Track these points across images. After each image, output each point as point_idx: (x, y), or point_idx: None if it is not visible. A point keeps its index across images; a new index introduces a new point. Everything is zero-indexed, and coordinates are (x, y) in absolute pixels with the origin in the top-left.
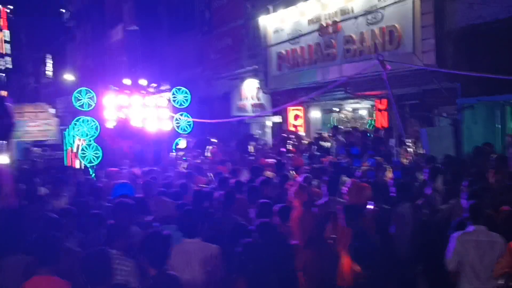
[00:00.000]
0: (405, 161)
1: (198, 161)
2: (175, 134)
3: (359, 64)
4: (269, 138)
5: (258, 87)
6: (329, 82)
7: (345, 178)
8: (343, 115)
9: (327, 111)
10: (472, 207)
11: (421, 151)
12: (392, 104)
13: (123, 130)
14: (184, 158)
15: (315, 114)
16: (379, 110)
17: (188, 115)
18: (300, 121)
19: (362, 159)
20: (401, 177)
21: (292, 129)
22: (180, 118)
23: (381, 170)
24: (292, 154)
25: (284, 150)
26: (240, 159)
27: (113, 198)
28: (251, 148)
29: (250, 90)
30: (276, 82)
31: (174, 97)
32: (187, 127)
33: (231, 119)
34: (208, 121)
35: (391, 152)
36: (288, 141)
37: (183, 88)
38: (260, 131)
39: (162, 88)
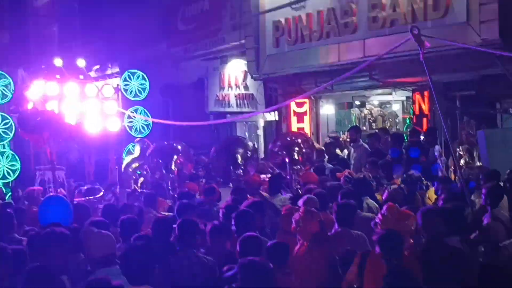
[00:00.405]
0: (454, 177)
1: (158, 176)
2: (127, 138)
3: (390, 38)
4: (261, 143)
5: (246, 71)
6: (347, 64)
7: (369, 201)
8: (367, 111)
9: (344, 106)
10: None
11: (477, 163)
12: (433, 97)
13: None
14: (138, 172)
15: (328, 109)
16: (419, 104)
17: (146, 111)
18: (305, 120)
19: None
20: (448, 198)
21: (295, 130)
22: (133, 115)
23: (415, 189)
24: (299, 166)
25: (288, 160)
26: (223, 173)
27: (40, 228)
28: (238, 158)
29: (234, 75)
30: (272, 64)
31: (126, 85)
32: (143, 128)
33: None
34: (174, 123)
35: (435, 164)
36: (292, 148)
37: (139, 72)
38: (248, 133)
39: (109, 72)
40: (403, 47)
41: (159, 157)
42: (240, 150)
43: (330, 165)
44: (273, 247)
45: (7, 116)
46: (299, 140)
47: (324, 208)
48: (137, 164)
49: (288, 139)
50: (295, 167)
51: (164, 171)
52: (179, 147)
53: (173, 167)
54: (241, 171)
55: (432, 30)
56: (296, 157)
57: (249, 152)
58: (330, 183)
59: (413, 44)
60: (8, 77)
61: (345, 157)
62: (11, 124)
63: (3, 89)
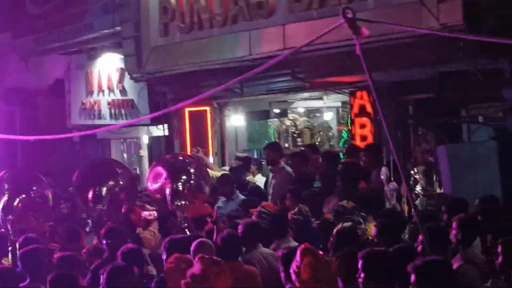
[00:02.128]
0: (408, 208)
1: None
2: None
3: (318, 24)
4: (146, 167)
5: (123, 69)
6: (261, 58)
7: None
8: (290, 123)
9: (259, 115)
10: None
11: (438, 189)
12: (375, 101)
13: None
14: None
15: (237, 120)
16: (359, 112)
17: None
18: (208, 134)
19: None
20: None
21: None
22: None
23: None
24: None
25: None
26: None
27: None
28: (103, 190)
29: (107, 75)
30: (158, 60)
31: None
32: None
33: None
34: (22, 138)
35: (379, 191)
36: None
37: None
38: (127, 154)
39: None
40: (336, 36)
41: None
42: (108, 179)
43: (241, 196)
44: None
45: None
46: (190, 167)
47: (229, 256)
48: None
49: (175, 162)
50: (178, 203)
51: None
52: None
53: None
54: (101, 206)
55: (374, 13)
56: (180, 188)
57: (120, 181)
58: (242, 221)
59: (348, 32)
60: None
61: (254, 184)
62: None
63: None
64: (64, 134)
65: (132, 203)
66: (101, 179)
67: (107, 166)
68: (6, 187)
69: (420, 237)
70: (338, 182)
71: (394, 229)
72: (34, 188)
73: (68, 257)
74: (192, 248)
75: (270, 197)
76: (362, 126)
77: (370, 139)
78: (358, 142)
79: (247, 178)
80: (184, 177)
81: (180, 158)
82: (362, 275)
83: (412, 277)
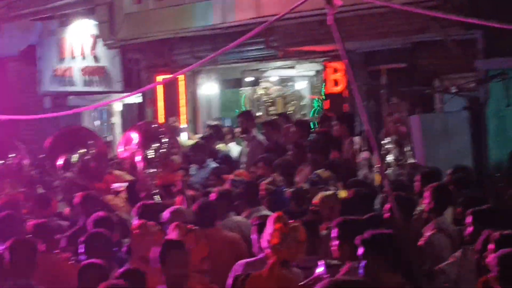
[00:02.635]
0: (378, 178)
1: None
2: None
3: None
4: (117, 135)
5: (96, 36)
6: (235, 26)
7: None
8: (262, 91)
9: (232, 83)
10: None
11: (410, 159)
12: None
13: None
14: None
15: (210, 88)
16: (332, 81)
17: None
18: (181, 102)
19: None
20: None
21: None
22: None
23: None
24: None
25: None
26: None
27: None
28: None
29: (80, 41)
30: (132, 27)
31: None
32: None
33: (40, 113)
34: None
35: (351, 160)
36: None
37: None
38: (100, 121)
39: None
40: (310, 5)
41: None
42: (78, 146)
43: (213, 164)
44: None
45: None
46: (162, 135)
47: (206, 223)
48: None
49: (147, 130)
50: (149, 170)
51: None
52: None
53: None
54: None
55: None
56: (151, 156)
57: (91, 149)
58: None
59: (322, 1)
60: None
61: (228, 154)
62: None
63: None
64: (34, 115)
65: (102, 172)
66: (72, 147)
67: (78, 134)
68: None
69: (388, 206)
70: (310, 151)
71: (365, 198)
72: (11, 154)
73: (41, 224)
74: (166, 215)
75: (243, 165)
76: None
77: (342, 109)
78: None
79: (218, 146)
80: (155, 145)
81: (152, 125)
82: (336, 242)
83: (360, 250)
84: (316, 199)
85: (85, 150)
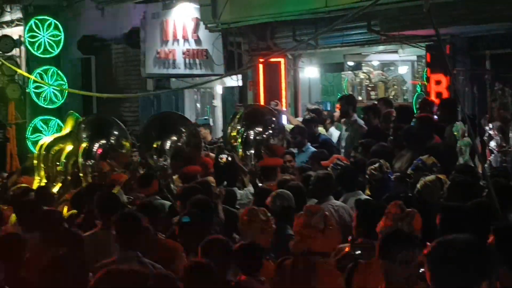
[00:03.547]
0: (482, 166)
1: None
2: (33, 109)
3: None
4: (219, 118)
5: (198, 19)
6: (337, 10)
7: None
8: (364, 76)
9: (333, 67)
10: None
11: None
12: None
13: None
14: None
15: (311, 72)
16: (433, 67)
17: (59, 72)
18: (282, 86)
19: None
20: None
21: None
22: (40, 82)
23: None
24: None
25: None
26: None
27: None
28: (166, 144)
29: (182, 24)
30: (234, 10)
31: (32, 37)
32: (55, 96)
33: (144, 90)
34: (98, 95)
35: (453, 146)
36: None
37: (51, 19)
38: (201, 105)
39: (7, 18)
40: None
41: None
42: (171, 134)
43: (312, 148)
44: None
45: None
46: (267, 118)
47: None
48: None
49: (251, 113)
50: (248, 152)
51: None
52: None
53: None
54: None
55: None
56: (251, 137)
57: (184, 137)
58: (317, 173)
59: None
60: None
61: (326, 136)
62: None
63: None
64: (138, 93)
65: (196, 157)
66: (165, 133)
67: (171, 121)
68: (84, 136)
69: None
70: (412, 137)
71: (466, 184)
72: (113, 134)
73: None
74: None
75: (343, 150)
76: (438, 82)
77: (445, 95)
78: (433, 98)
79: (319, 130)
80: (259, 127)
81: (258, 109)
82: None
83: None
84: (419, 184)
85: (177, 136)
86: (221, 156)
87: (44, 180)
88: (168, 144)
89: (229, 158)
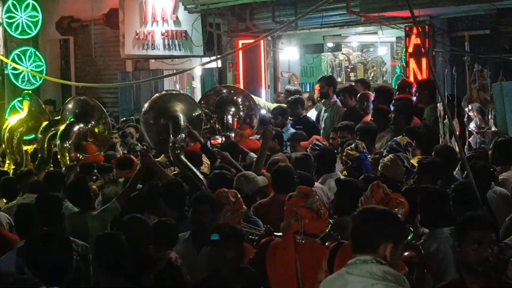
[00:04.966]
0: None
1: None
2: (11, 90)
3: None
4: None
5: (178, 0)
6: None
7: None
8: (343, 57)
9: (312, 49)
10: None
11: (493, 127)
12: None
13: None
14: (27, 137)
15: (290, 53)
16: (414, 48)
17: (38, 53)
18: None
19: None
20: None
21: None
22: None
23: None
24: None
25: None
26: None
27: None
28: (180, 119)
29: (161, 5)
30: None
31: (9, 17)
32: (33, 77)
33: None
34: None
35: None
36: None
37: (28, 0)
38: (180, 86)
39: None
40: None
41: None
42: (182, 106)
43: (292, 129)
44: None
45: None
46: (239, 98)
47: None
48: (24, 128)
49: (224, 94)
50: (224, 134)
51: None
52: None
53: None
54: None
55: None
56: (230, 120)
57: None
58: (294, 155)
59: None
60: None
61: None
62: None
63: None
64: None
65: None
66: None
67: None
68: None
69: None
70: (393, 117)
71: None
72: (94, 116)
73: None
74: None
75: (322, 131)
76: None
77: (424, 76)
78: (411, 79)
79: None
80: (233, 109)
81: (230, 90)
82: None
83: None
84: (379, 166)
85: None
86: (216, 137)
87: (12, 166)
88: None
89: (224, 139)
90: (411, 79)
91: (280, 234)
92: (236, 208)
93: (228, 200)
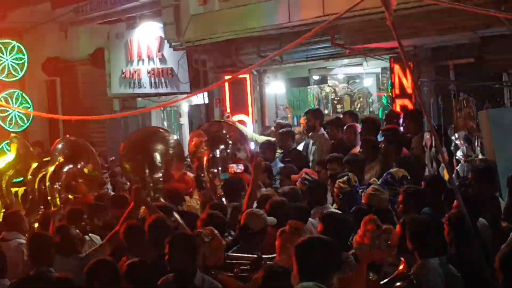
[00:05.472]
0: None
1: None
2: None
3: None
4: (186, 136)
5: (163, 38)
6: (300, 25)
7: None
8: (329, 89)
9: (298, 82)
10: None
11: (480, 155)
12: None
13: None
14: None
15: (276, 87)
16: (399, 78)
17: (25, 95)
18: (246, 102)
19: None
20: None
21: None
22: (4, 106)
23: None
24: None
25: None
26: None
27: None
28: (156, 157)
29: (146, 43)
30: (198, 28)
31: None
32: (21, 119)
33: (111, 112)
34: (64, 117)
35: (420, 157)
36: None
37: (14, 43)
38: (167, 123)
39: None
40: (372, 2)
41: None
42: (159, 146)
43: (280, 164)
44: None
45: None
46: (225, 132)
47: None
48: (13, 170)
49: (214, 130)
50: (212, 170)
51: None
52: None
53: None
54: (160, 174)
55: None
56: (218, 155)
57: (170, 149)
58: (281, 189)
59: None
60: None
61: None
62: None
63: None
64: (106, 115)
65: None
66: (150, 147)
67: (154, 134)
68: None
69: (455, 203)
70: (382, 148)
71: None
72: (83, 156)
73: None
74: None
75: (311, 164)
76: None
77: (410, 106)
78: (398, 109)
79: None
80: (222, 146)
81: (219, 126)
82: None
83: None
84: (364, 197)
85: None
86: (231, 166)
87: (2, 209)
88: (157, 156)
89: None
90: (398, 109)
91: (271, 256)
92: (214, 247)
93: (203, 241)
